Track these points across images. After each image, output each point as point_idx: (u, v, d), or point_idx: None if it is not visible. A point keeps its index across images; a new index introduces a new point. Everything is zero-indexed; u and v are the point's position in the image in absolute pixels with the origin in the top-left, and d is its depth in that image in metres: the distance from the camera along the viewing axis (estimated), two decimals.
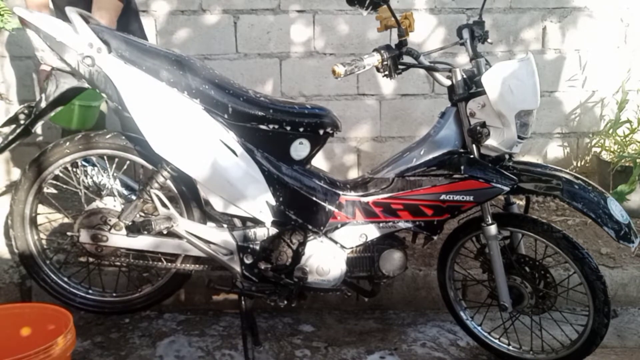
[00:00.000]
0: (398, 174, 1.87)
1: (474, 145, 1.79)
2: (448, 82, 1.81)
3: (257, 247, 1.93)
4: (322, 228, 1.89)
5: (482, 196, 1.78)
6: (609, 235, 1.71)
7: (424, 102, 3.23)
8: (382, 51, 1.75)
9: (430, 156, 1.84)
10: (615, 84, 3.25)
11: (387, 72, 1.77)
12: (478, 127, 1.75)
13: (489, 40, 1.88)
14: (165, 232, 1.92)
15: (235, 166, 1.85)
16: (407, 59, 1.80)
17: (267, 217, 1.90)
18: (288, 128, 1.86)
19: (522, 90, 1.72)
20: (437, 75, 1.81)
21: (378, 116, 3.23)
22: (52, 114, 1.97)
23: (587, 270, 1.77)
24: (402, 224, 1.87)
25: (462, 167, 1.79)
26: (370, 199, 1.88)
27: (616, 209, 1.74)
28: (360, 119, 3.22)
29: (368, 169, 2.10)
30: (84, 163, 2.09)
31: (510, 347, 2.03)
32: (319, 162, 3.17)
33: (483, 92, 1.73)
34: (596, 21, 3.21)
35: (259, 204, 1.88)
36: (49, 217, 2.32)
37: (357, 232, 1.90)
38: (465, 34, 1.82)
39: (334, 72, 1.67)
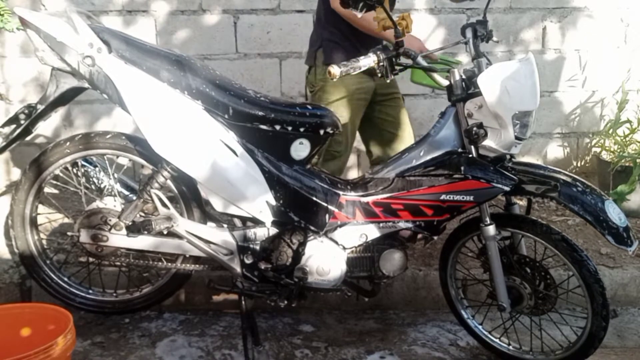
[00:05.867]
0: (398, 174, 1.87)
1: (471, 146, 1.79)
2: (446, 83, 1.81)
3: (257, 247, 1.93)
4: (322, 228, 1.89)
5: (482, 196, 1.78)
6: (606, 240, 1.71)
7: (424, 102, 3.22)
8: (379, 52, 1.75)
9: (430, 156, 1.84)
10: (615, 84, 3.25)
11: (383, 73, 1.77)
12: (474, 128, 1.74)
13: (494, 38, 1.87)
14: (165, 232, 1.92)
15: (236, 166, 1.85)
16: (404, 59, 1.80)
17: (268, 217, 1.90)
18: (288, 128, 1.86)
19: (519, 91, 1.71)
20: (435, 75, 1.81)
21: None
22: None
23: (585, 273, 1.76)
24: (402, 224, 1.87)
25: (463, 167, 1.79)
26: (370, 199, 1.88)
27: (614, 212, 1.73)
28: None
29: (368, 169, 2.10)
30: (84, 163, 2.09)
31: (510, 347, 2.03)
32: None
33: (480, 93, 1.72)
34: (596, 21, 3.21)
35: (259, 204, 1.88)
36: (49, 217, 2.32)
37: (358, 232, 1.89)
38: (469, 33, 1.82)
39: (329, 73, 1.67)
